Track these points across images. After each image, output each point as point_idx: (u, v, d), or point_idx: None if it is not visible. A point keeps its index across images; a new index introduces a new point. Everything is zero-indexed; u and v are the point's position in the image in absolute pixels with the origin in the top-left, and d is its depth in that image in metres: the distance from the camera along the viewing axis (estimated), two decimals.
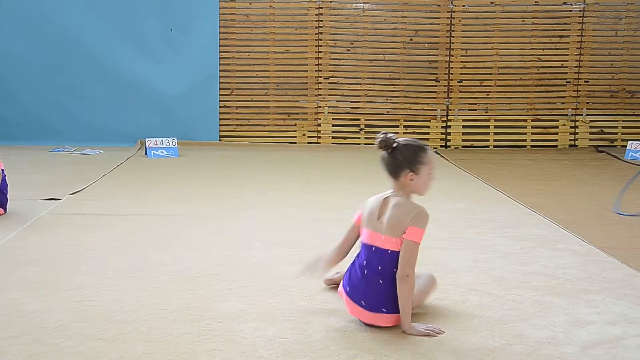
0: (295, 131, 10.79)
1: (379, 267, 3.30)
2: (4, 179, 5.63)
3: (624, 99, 11.00)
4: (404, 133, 10.41)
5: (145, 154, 9.28)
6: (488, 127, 10.90)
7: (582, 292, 3.92)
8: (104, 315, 3.44)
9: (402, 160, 3.30)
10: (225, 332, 3.23)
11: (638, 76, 10.96)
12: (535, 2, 10.77)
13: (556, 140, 10.94)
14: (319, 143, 10.74)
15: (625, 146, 9.96)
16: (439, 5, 10.69)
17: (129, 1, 10.20)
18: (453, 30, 10.77)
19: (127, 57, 10.21)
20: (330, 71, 10.69)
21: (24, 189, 5.85)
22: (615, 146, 10.71)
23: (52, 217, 5.56)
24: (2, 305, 3.55)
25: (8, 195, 5.65)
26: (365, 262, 3.34)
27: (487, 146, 10.86)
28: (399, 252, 3.24)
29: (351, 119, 10.76)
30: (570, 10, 10.83)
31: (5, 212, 5.56)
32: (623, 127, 10.94)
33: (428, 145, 3.39)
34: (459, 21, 10.76)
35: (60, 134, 10.05)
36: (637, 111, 11.00)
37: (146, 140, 9.46)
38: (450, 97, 10.81)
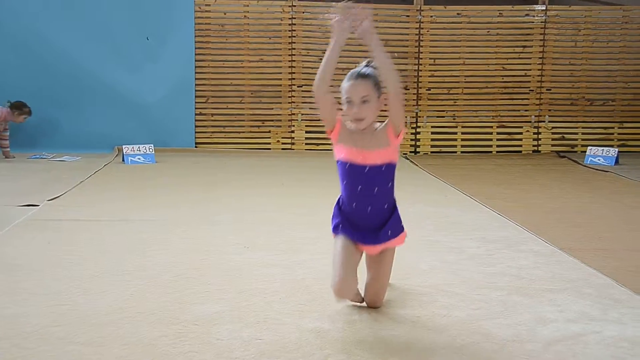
0: (269, 138, 10.80)
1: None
2: None
3: (584, 106, 11.13)
4: None
5: (123, 160, 9.23)
6: (455, 133, 10.98)
7: (544, 291, 3.96)
8: (81, 319, 3.42)
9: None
10: (202, 335, 3.22)
11: (597, 85, 11.10)
12: (500, 13, 10.87)
13: (520, 146, 11.04)
14: (293, 149, 10.76)
15: (585, 151, 10.06)
16: (407, 16, 10.75)
17: (106, 11, 10.16)
18: (421, 40, 10.84)
19: (104, 65, 10.17)
20: (303, 79, 10.71)
21: (2, 195, 5.80)
22: (576, 151, 10.82)
23: (30, 223, 5.51)
24: None
25: None
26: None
27: (455, 152, 10.93)
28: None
29: (324, 126, 10.73)
30: (533, 22, 10.95)
31: None
32: (583, 134, 11.07)
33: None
34: (427, 31, 10.83)
35: (38, 140, 9.98)
36: (596, 118, 11.13)
37: (123, 147, 9.40)
38: (419, 105, 10.87)
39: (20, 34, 9.96)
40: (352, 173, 3.34)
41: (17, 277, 4.06)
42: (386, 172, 3.36)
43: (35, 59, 10.01)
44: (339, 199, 3.51)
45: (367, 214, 3.37)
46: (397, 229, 3.50)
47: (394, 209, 3.48)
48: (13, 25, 9.95)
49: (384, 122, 3.39)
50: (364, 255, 3.54)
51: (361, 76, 3.35)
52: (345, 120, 3.41)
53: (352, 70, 3.41)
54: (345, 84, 3.38)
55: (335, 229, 3.47)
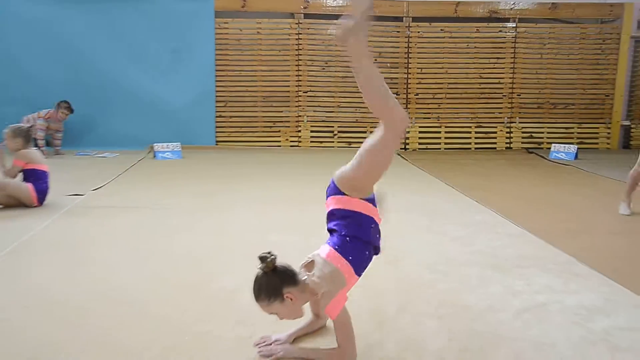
0: (279, 136, 10.79)
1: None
2: (47, 179, 5.66)
3: (548, 109, 11.13)
4: None
5: (154, 156, 9.24)
6: (439, 132, 10.97)
7: (515, 267, 3.97)
8: (125, 285, 3.45)
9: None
10: (226, 301, 3.25)
11: (559, 91, 11.11)
12: (477, 30, 10.86)
13: (495, 143, 11.03)
14: (300, 146, 10.75)
15: (550, 148, 10.08)
16: (398, 32, 10.73)
17: (141, 31, 10.15)
18: (410, 53, 10.82)
19: (138, 76, 10.17)
20: (308, 86, 10.70)
21: (54, 186, 5.81)
22: (542, 148, 10.81)
23: (78, 209, 5.54)
24: (35, 283, 3.55)
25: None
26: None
27: (439, 148, 10.92)
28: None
29: (326, 126, 10.77)
30: (505, 37, 10.93)
31: (41, 204, 5.56)
32: (548, 133, 11.07)
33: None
34: (415, 45, 10.81)
35: (84, 140, 10.00)
36: (559, 120, 11.13)
37: (154, 144, 9.43)
38: (409, 108, 10.85)
39: (71, 55, 9.98)
40: None
41: (64, 255, 4.09)
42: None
43: (82, 73, 10.03)
44: None
45: None
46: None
47: None
48: (65, 48, 9.96)
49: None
50: None
51: (255, 298, 2.60)
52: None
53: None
54: None
55: None
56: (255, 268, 2.58)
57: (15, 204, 5.50)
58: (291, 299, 2.57)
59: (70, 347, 2.72)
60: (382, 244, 2.75)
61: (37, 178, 5.56)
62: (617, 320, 3.12)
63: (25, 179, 5.55)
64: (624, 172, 8.18)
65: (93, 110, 10.12)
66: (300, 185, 6.96)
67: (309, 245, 4.41)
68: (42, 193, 5.57)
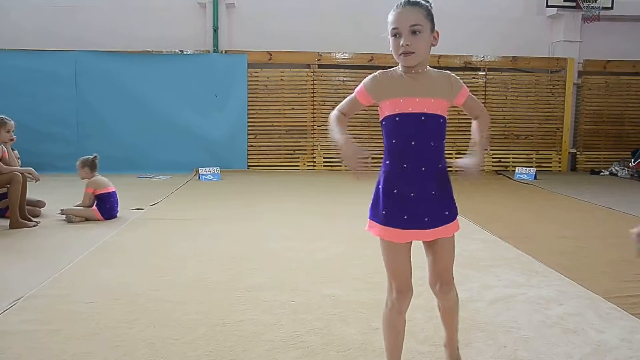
0: (298, 162, 10.80)
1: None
2: (116, 197, 5.69)
3: (513, 139, 11.10)
4: (372, 163, 10.44)
5: (199, 178, 9.26)
6: None
7: (488, 266, 3.94)
8: (172, 286, 3.45)
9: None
10: (253, 297, 3.23)
11: (520, 125, 11.11)
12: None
13: None
14: (315, 169, 10.75)
15: (515, 170, 10.02)
16: None
17: (190, 78, 10.21)
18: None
19: (188, 115, 10.21)
20: (321, 121, 10.71)
21: (122, 202, 5.84)
22: (508, 170, 10.76)
23: (139, 221, 5.56)
24: (108, 278, 3.56)
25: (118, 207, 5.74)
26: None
27: None
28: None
29: (336, 153, 10.77)
30: (477, 83, 10.94)
31: (109, 219, 5.56)
32: (513, 158, 11.01)
33: None
34: None
35: (142, 165, 10.05)
36: (521, 148, 11.10)
37: (199, 168, 9.46)
38: None
39: (131, 96, 10.05)
40: (404, 125, 1.94)
41: (130, 257, 4.11)
42: (443, 125, 2.02)
43: (141, 111, 10.07)
44: (379, 181, 2.03)
45: (421, 175, 1.97)
46: (454, 209, 2.08)
47: (448, 181, 2.10)
48: (125, 89, 10.04)
49: (452, 76, 2.05)
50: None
51: (410, 3, 1.89)
52: (395, 58, 1.96)
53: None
54: (391, 14, 1.92)
55: (374, 217, 2.01)
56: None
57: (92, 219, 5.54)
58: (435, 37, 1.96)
59: (139, 323, 2.76)
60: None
61: (102, 200, 5.59)
62: (567, 307, 3.12)
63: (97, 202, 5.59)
64: (573, 190, 8.19)
65: (151, 141, 10.16)
66: (315, 201, 6.94)
67: (316, 250, 4.44)
68: (106, 212, 5.58)
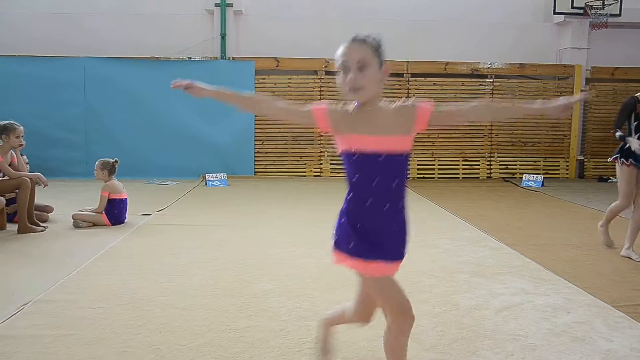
0: (305, 168, 10.80)
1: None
2: (126, 204, 5.72)
3: (520, 146, 11.05)
4: None
5: (206, 184, 9.28)
6: (433, 164, 10.91)
7: (496, 274, 3.92)
8: (179, 291, 3.45)
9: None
10: (259, 304, 3.23)
11: (528, 132, 11.04)
12: (462, 84, 10.85)
13: (478, 173, 10.95)
14: (321, 176, 10.74)
15: (522, 177, 9.97)
16: (399, 85, 10.74)
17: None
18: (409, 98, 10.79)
19: (195, 121, 10.22)
20: None
21: (130, 207, 5.86)
22: (515, 177, 10.71)
23: (146, 226, 5.57)
24: (115, 284, 3.56)
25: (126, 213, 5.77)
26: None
27: (433, 177, 10.86)
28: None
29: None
30: (484, 90, 10.91)
31: (116, 224, 5.57)
32: (520, 165, 10.96)
33: None
34: (414, 95, 10.81)
35: (149, 171, 10.07)
36: (528, 155, 11.04)
37: (206, 174, 9.48)
38: None
39: (142, 104, 10.10)
40: (363, 164, 1.92)
41: (137, 262, 4.11)
42: (404, 163, 1.95)
43: (148, 117, 10.10)
44: (342, 209, 2.06)
45: (383, 213, 1.92)
46: (405, 248, 2.03)
47: (406, 216, 2.01)
48: (138, 97, 10.09)
49: (401, 102, 1.99)
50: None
51: (357, 40, 1.90)
52: (342, 93, 1.95)
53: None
54: (340, 49, 1.92)
55: (338, 245, 2.04)
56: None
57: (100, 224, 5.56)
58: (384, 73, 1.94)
59: (145, 329, 2.76)
60: None
61: (112, 206, 5.61)
62: (575, 316, 3.10)
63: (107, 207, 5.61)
64: (581, 197, 8.15)
65: (158, 147, 10.18)
66: (322, 208, 6.93)
67: (321, 257, 4.42)
68: (114, 217, 5.59)
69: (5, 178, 5.30)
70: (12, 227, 5.33)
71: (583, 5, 10.51)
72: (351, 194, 1.99)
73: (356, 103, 1.95)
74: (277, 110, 2.07)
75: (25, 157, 5.91)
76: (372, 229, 1.94)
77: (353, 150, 1.93)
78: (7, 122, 5.35)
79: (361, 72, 1.88)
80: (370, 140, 1.89)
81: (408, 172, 2.02)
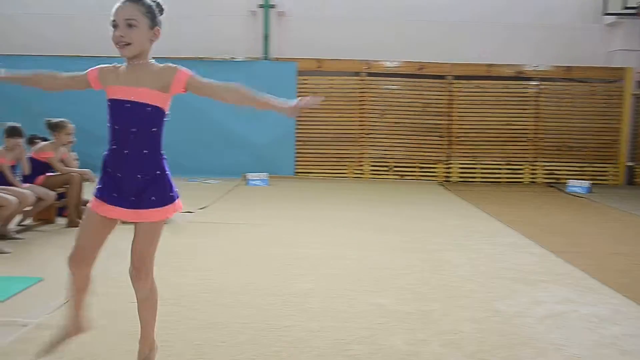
0: (346, 169, 10.79)
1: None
2: None
3: (566, 151, 10.78)
4: (419, 172, 10.40)
5: (247, 183, 9.38)
6: (475, 168, 10.75)
7: (539, 281, 3.85)
8: (221, 288, 3.49)
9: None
10: (299, 304, 3.25)
11: (574, 136, 10.75)
12: (505, 86, 10.67)
13: (522, 178, 10.74)
14: (362, 177, 10.72)
15: (567, 183, 9.73)
16: (442, 87, 10.61)
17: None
18: (452, 103, 10.69)
19: (238, 122, 10.31)
20: (369, 129, 10.68)
21: None
22: (560, 182, 10.46)
23: (188, 224, 5.65)
24: (156, 279, 3.62)
25: None
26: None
27: (475, 181, 10.70)
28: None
29: (383, 162, 10.72)
30: (528, 93, 10.70)
31: None
32: (566, 170, 10.69)
33: None
34: (457, 97, 10.67)
35: (191, 169, 10.22)
36: (574, 160, 10.76)
37: (247, 174, 9.58)
38: (451, 148, 10.71)
39: (189, 107, 10.27)
40: (112, 110, 2.13)
41: (178, 259, 4.18)
42: (151, 115, 2.14)
43: (192, 119, 10.20)
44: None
45: (125, 158, 2.12)
46: (164, 198, 2.23)
47: (160, 169, 2.20)
48: (174, 97, 10.25)
49: (171, 65, 2.20)
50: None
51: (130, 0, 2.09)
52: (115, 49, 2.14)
53: None
54: (113, 8, 2.11)
55: (94, 191, 2.21)
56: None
57: None
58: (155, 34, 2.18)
59: (184, 325, 2.80)
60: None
61: None
62: (624, 327, 3.00)
63: None
64: (630, 205, 7.89)
65: (200, 146, 10.35)
66: (363, 209, 6.90)
67: (360, 257, 4.41)
68: None
69: (55, 174, 5.48)
70: (61, 221, 5.50)
71: (636, 5, 10.16)
72: (108, 141, 2.17)
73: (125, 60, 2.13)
74: (62, 81, 2.25)
75: (74, 153, 6.09)
76: (116, 173, 2.14)
77: (108, 97, 2.14)
78: (58, 119, 5.54)
79: (129, 28, 2.08)
80: (123, 89, 2.10)
81: (157, 126, 2.18)
